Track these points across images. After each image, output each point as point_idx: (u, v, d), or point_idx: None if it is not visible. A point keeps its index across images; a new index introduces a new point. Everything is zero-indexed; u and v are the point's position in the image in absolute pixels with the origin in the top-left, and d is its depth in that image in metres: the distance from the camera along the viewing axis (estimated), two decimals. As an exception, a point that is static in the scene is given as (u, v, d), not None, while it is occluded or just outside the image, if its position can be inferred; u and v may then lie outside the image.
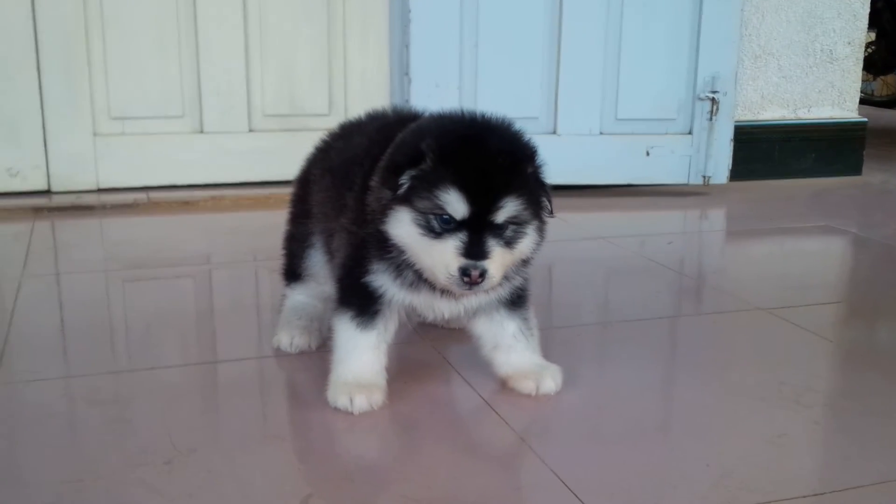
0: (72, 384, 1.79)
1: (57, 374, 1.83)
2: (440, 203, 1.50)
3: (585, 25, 3.51)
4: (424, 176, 1.51)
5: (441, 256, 1.52)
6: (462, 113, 1.65)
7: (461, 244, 1.51)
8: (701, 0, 3.54)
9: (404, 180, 1.52)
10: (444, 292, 1.63)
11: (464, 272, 1.51)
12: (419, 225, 1.53)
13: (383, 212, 1.57)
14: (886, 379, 1.88)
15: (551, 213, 1.62)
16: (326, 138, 1.98)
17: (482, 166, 1.51)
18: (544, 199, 1.59)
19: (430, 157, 1.51)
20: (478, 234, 1.51)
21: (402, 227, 1.55)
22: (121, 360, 1.95)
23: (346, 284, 1.70)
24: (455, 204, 1.50)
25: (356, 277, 1.66)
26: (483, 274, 1.51)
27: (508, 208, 1.52)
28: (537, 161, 1.59)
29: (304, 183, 1.97)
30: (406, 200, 1.53)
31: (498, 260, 1.53)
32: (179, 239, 2.96)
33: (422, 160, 1.51)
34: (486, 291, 1.63)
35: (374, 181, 1.61)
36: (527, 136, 1.63)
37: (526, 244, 1.59)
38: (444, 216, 1.51)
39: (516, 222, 1.55)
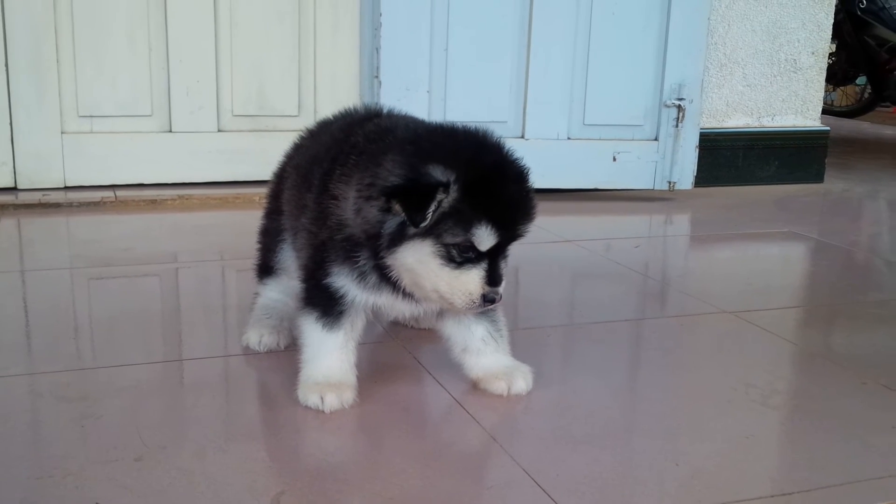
0: (38, 381, 1.77)
1: (23, 371, 1.82)
2: (472, 238, 1.50)
3: (555, 32, 3.54)
4: (452, 210, 1.49)
5: (464, 285, 1.54)
6: (452, 128, 1.63)
7: (485, 273, 1.54)
8: (669, 8, 3.59)
9: (430, 213, 1.48)
10: (406, 294, 1.63)
11: (485, 298, 1.54)
12: (440, 256, 1.52)
13: (393, 241, 1.53)
14: (849, 381, 1.91)
15: None
16: (303, 134, 1.98)
17: (512, 198, 1.54)
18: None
19: (455, 189, 1.49)
20: (496, 260, 1.55)
21: (418, 256, 1.53)
22: (87, 357, 1.94)
23: (309, 286, 1.69)
24: (486, 238, 1.51)
25: (318, 279, 1.66)
26: (498, 297, 1.56)
27: (525, 234, 1.57)
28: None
29: (279, 179, 1.97)
30: (429, 233, 1.51)
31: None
32: (146, 238, 2.94)
33: (443, 190, 1.48)
34: None
35: (356, 195, 1.57)
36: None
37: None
38: (469, 247, 1.52)
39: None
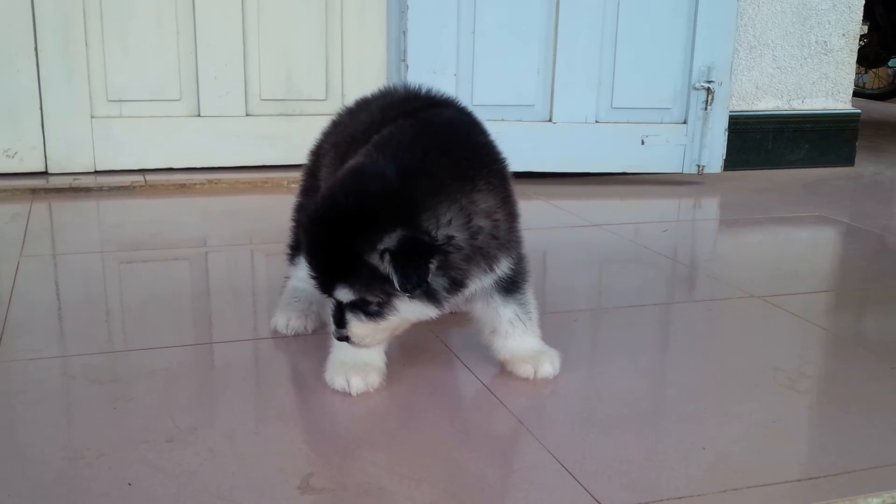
0: (71, 363, 1.80)
1: (56, 353, 1.84)
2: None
3: (582, 14, 3.52)
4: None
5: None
6: (373, 160, 1.56)
7: (332, 307, 1.57)
8: (697, -11, 3.56)
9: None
10: None
11: (335, 331, 1.58)
12: None
13: None
14: (878, 366, 1.90)
15: (406, 290, 1.46)
16: (341, 112, 1.98)
17: (318, 253, 1.52)
18: (396, 279, 1.45)
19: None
20: (340, 306, 1.55)
21: None
22: (118, 340, 1.96)
23: None
24: (310, 277, 1.55)
25: None
26: (346, 338, 1.57)
27: (345, 294, 1.51)
28: (409, 229, 1.46)
29: (316, 156, 1.97)
30: None
31: (362, 330, 1.55)
32: (176, 222, 2.97)
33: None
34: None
35: None
36: (412, 195, 1.48)
37: (410, 312, 1.55)
38: None
39: (377, 298, 1.51)
